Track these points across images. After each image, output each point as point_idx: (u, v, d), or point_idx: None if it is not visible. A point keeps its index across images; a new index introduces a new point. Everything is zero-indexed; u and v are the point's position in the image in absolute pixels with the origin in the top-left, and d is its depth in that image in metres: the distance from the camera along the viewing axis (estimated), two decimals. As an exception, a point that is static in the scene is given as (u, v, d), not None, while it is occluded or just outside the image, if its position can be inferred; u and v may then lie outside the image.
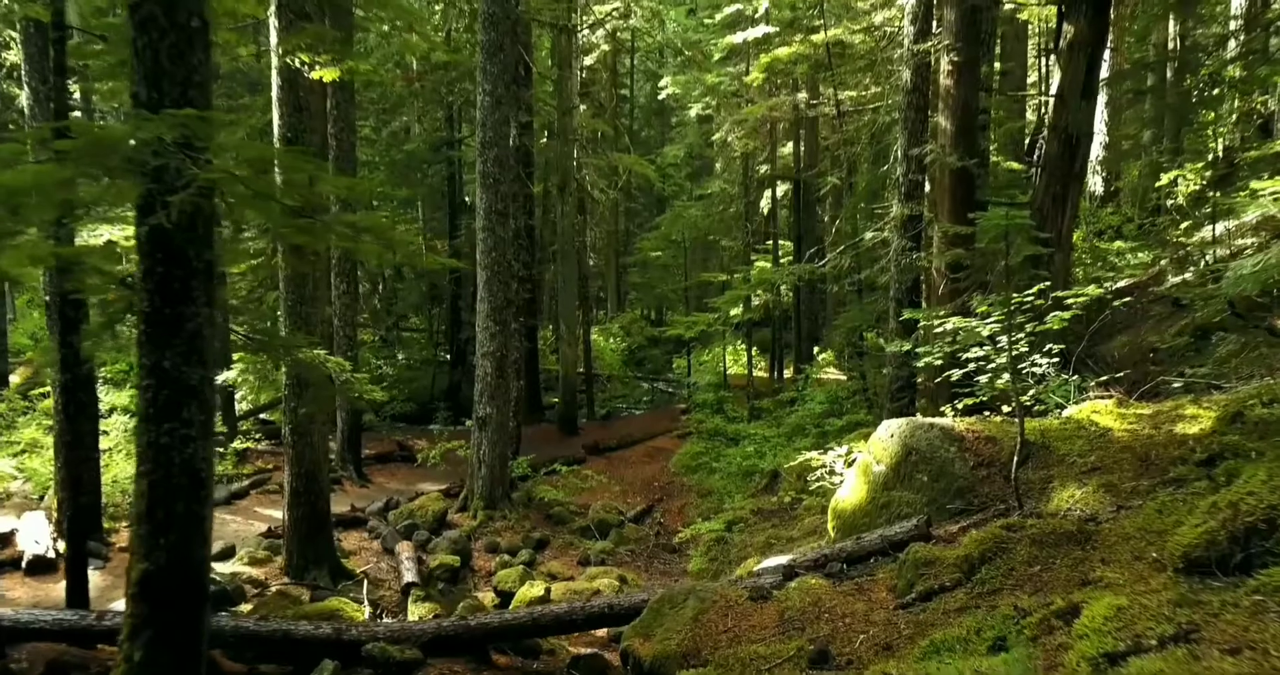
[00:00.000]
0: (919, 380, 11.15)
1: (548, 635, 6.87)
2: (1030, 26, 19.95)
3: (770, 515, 11.99)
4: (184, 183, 3.90)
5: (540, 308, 26.04)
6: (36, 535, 9.85)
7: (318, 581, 9.28)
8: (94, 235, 8.23)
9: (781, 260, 23.28)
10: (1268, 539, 3.38)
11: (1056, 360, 7.12)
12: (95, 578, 8.96)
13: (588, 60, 26.44)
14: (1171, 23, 18.29)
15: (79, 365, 8.39)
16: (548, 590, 8.60)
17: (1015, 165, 16.17)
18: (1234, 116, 16.35)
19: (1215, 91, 14.36)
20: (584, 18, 20.68)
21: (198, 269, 4.57)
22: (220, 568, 9.65)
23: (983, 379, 6.43)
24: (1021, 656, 3.48)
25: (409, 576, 9.92)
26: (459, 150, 23.35)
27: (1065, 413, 6.87)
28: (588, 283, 28.48)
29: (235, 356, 9.78)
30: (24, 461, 12.72)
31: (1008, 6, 15.79)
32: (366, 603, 7.94)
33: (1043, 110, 19.25)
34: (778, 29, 18.20)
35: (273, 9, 8.76)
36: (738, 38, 18.79)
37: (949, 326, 6.45)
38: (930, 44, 10.54)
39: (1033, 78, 22.89)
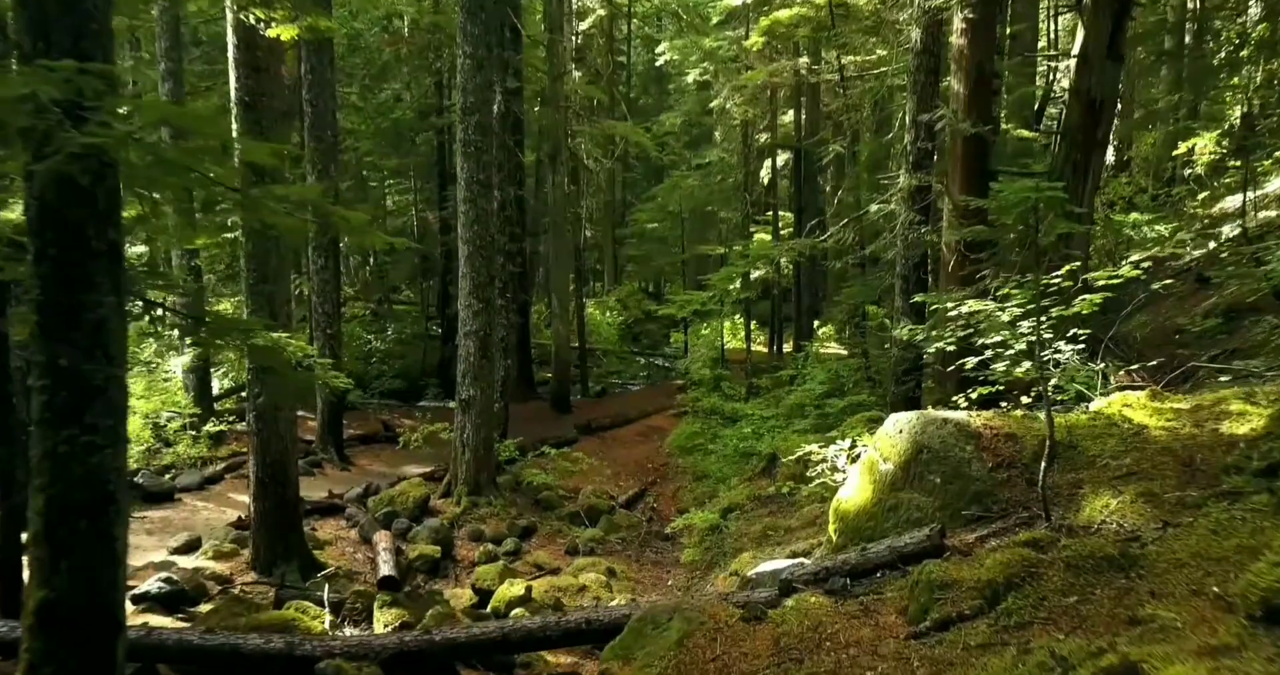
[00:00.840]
0: (927, 360, 10.52)
1: (519, 652, 6.30)
2: (1043, -14, 19.07)
3: (768, 502, 11.43)
4: (55, 149, 3.24)
5: (533, 282, 25.35)
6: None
7: (286, 577, 8.72)
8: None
9: (782, 232, 22.56)
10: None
11: (1082, 347, 6.48)
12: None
13: (583, 25, 25.56)
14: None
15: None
16: (528, 589, 8.04)
17: (1025, 133, 15.37)
18: (1257, 80, 15.55)
19: (1243, 52, 13.57)
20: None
21: (99, 251, 3.91)
22: (183, 562, 9.12)
23: (999, 367, 5.80)
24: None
25: (385, 570, 9.37)
26: (448, 118, 22.50)
27: (1092, 406, 6.23)
28: (583, 255, 27.77)
29: (189, 340, 9.14)
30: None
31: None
32: (328, 608, 7.36)
33: (1051, 76, 18.46)
34: (778, -11, 17.32)
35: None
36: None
37: (965, 310, 5.81)
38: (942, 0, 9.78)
39: (1041, 43, 22.02)
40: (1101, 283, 5.39)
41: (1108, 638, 3.34)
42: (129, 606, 7.64)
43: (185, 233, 7.16)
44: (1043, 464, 4.75)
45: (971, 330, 6.07)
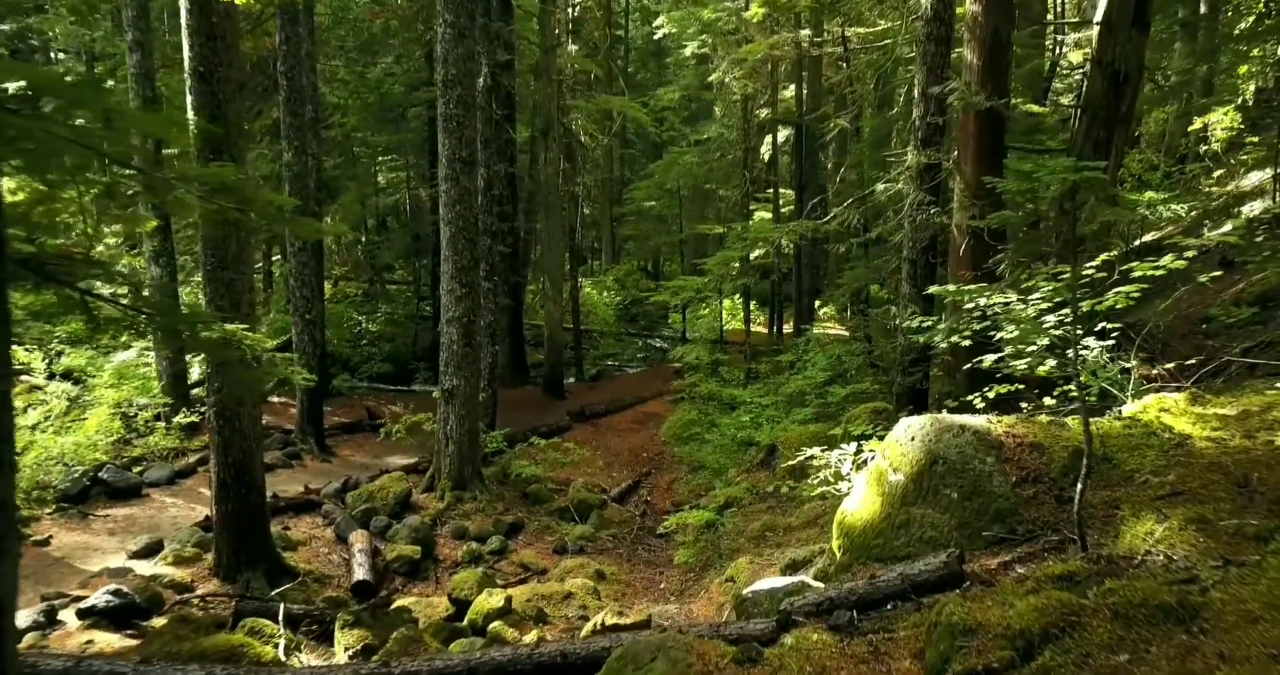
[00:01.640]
0: (936, 350, 9.90)
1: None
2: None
3: (766, 496, 10.88)
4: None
5: (527, 262, 24.66)
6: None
7: (250, 585, 8.17)
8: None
9: (783, 210, 21.86)
10: None
11: (1112, 342, 5.86)
12: None
13: (579, -4, 24.70)
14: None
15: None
16: (508, 600, 7.47)
17: (1036, 108, 14.65)
18: (1279, 53, 14.81)
19: (1269, 21, 12.82)
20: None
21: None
22: (141, 568, 8.57)
23: (1019, 364, 5.19)
24: None
25: (360, 574, 8.83)
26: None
27: (1125, 410, 5.62)
28: (580, 234, 27.06)
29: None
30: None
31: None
32: (288, 626, 6.79)
33: (1059, 48, 17.69)
34: (780, -44, 16.51)
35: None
36: (736, -33, 17.15)
37: (983, 302, 5.18)
38: (955, -38, 9.08)
39: (1049, 16, 21.22)
40: (1139, 273, 4.77)
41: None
42: (74, 622, 7.13)
43: (93, 220, 6.57)
44: (1079, 484, 4.15)
45: (988, 323, 5.46)
